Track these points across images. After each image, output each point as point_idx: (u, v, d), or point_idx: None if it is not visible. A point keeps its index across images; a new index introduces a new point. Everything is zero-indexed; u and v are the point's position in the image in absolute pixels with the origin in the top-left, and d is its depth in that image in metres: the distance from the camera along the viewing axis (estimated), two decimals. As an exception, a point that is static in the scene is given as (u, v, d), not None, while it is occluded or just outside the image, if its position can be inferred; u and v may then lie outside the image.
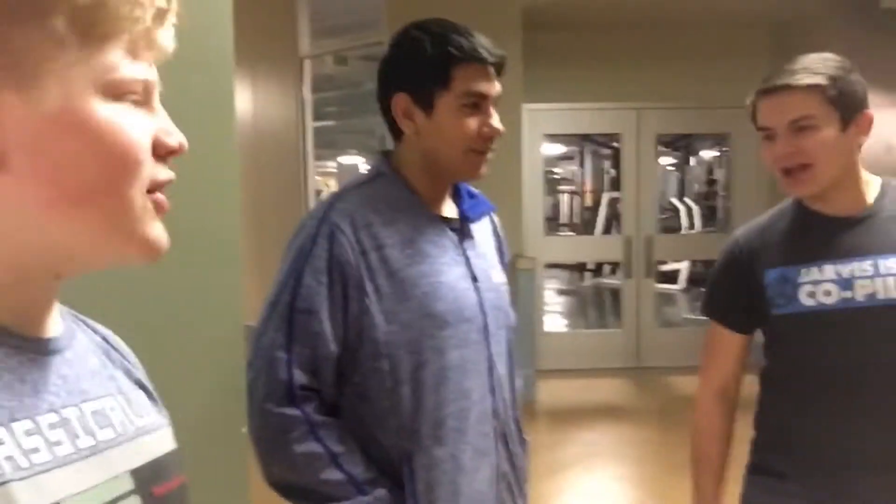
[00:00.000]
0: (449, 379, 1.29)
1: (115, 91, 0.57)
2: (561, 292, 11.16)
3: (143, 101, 0.59)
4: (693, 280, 9.91)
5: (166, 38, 0.61)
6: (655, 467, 4.34)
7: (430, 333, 1.29)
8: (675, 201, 11.57)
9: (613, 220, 10.99)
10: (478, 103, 1.33)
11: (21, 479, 0.51)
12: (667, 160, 12.50)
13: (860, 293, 1.47)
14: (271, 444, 1.24)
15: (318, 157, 9.57)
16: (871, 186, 1.54)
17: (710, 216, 11.02)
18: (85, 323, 0.69)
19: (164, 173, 0.60)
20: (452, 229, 1.40)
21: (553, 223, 13.81)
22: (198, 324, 1.20)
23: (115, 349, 0.70)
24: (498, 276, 1.46)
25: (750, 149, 6.42)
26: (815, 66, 1.47)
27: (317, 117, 7.90)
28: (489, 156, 1.37)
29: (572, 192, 15.02)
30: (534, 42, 5.58)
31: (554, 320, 8.67)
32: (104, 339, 0.70)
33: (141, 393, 0.70)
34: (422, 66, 1.33)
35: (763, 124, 1.50)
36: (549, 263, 7.29)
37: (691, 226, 10.50)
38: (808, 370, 1.55)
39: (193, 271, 1.14)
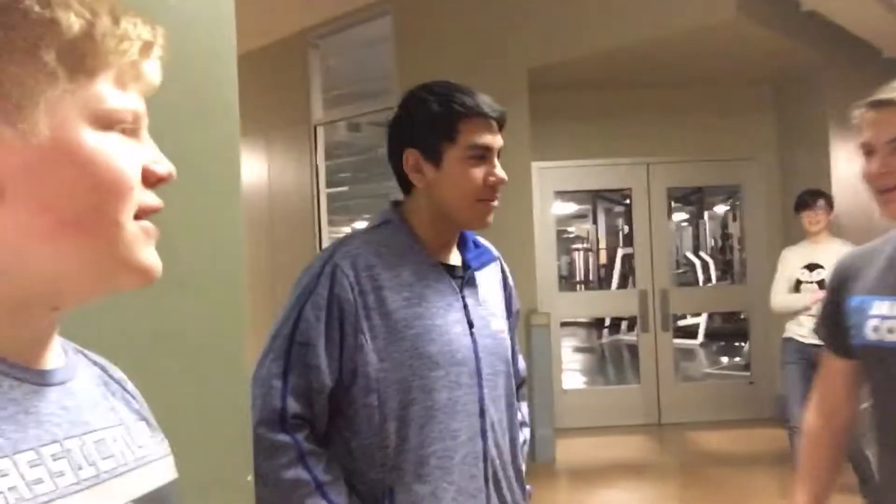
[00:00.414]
0: (435, 419, 1.33)
1: (105, 121, 0.59)
2: (578, 349, 11.07)
3: (132, 131, 0.61)
4: (711, 335, 9.81)
5: (152, 69, 0.63)
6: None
7: (421, 374, 1.33)
8: (690, 255, 11.55)
9: (629, 275, 10.98)
10: (483, 155, 1.41)
11: None
12: (680, 216, 12.54)
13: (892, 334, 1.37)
14: (261, 467, 1.26)
15: (333, 223, 9.66)
16: None
17: (725, 269, 10.98)
18: (84, 355, 0.70)
19: (152, 200, 0.62)
20: (456, 277, 1.45)
21: (569, 281, 13.79)
22: (205, 377, 1.22)
23: (114, 380, 0.71)
24: (497, 324, 1.49)
25: (761, 200, 6.44)
26: None
27: (330, 183, 8.02)
28: (495, 204, 1.43)
29: (586, 250, 15.04)
30: (541, 102, 5.68)
31: (572, 378, 8.58)
32: (103, 369, 0.71)
33: (141, 423, 0.71)
34: (430, 122, 1.41)
35: (864, 140, 1.41)
36: (564, 321, 7.26)
37: (708, 279, 10.45)
38: (878, 408, 1.49)
39: (200, 321, 1.16)
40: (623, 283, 10.76)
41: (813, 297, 4.15)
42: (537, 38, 5.54)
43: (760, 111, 6.43)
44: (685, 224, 13.26)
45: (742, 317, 8.79)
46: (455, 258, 1.48)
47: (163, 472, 0.69)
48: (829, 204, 4.47)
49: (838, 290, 1.54)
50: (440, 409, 1.33)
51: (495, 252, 1.57)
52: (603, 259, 13.71)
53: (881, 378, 1.45)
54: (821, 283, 4.14)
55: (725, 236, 12.02)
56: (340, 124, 7.70)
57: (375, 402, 1.32)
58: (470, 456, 1.37)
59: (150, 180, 0.62)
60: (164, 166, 0.62)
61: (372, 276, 1.35)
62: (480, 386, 1.39)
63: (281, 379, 1.32)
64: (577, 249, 15.26)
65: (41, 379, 0.60)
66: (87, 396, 0.65)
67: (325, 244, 7.30)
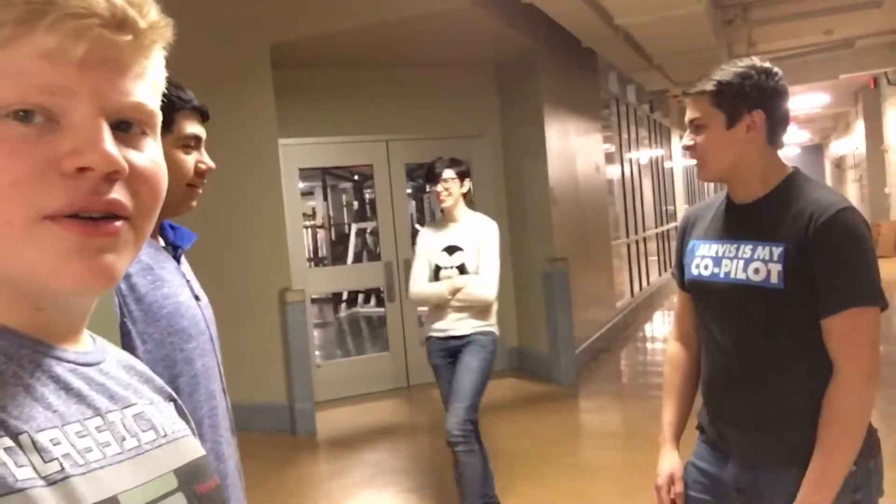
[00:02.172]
0: (200, 385, 1.46)
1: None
2: (316, 325, 11.19)
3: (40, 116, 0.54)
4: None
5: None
6: (435, 474, 4.59)
7: (180, 347, 1.44)
8: (419, 227, 12.17)
9: (364, 250, 11.29)
10: (194, 144, 1.56)
11: (80, 474, 0.54)
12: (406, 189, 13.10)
13: (723, 270, 1.69)
14: None
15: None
16: (774, 179, 1.70)
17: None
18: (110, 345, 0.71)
19: (58, 198, 0.54)
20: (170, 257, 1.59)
21: (312, 258, 13.79)
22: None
23: (138, 369, 0.72)
24: (205, 297, 1.65)
25: (489, 174, 7.04)
26: (715, 73, 1.69)
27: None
28: (200, 190, 1.58)
29: (317, 227, 15.15)
30: (285, 78, 5.67)
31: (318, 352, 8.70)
32: (128, 358, 0.72)
33: (171, 404, 0.73)
34: None
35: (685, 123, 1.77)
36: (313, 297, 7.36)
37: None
38: (700, 325, 1.82)
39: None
40: (358, 258, 11.06)
41: (451, 284, 3.56)
42: (280, 14, 5.51)
43: (486, 92, 7.00)
44: (410, 198, 13.89)
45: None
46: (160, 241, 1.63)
47: (196, 447, 0.70)
48: (462, 174, 3.64)
49: (684, 235, 1.88)
50: (200, 375, 1.46)
51: (192, 232, 1.70)
52: (333, 236, 13.91)
53: (700, 305, 1.81)
54: (462, 268, 3.59)
55: (446, 209, 12.86)
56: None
57: None
58: (224, 411, 1.54)
59: (66, 172, 0.54)
60: (86, 157, 0.54)
61: None
62: (215, 350, 1.55)
63: None
64: (308, 227, 15.29)
65: (77, 359, 0.61)
66: (119, 377, 0.66)
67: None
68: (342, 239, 12.97)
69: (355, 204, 13.37)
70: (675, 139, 14.14)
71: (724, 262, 1.71)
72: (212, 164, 1.58)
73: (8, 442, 0.51)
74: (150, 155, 0.60)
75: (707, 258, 1.76)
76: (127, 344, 1.37)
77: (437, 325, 3.64)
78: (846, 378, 1.57)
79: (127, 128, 0.58)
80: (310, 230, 15.46)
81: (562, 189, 6.80)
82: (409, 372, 6.79)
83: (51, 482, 0.51)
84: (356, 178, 11.90)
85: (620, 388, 6.85)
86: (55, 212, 0.53)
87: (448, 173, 3.58)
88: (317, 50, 5.80)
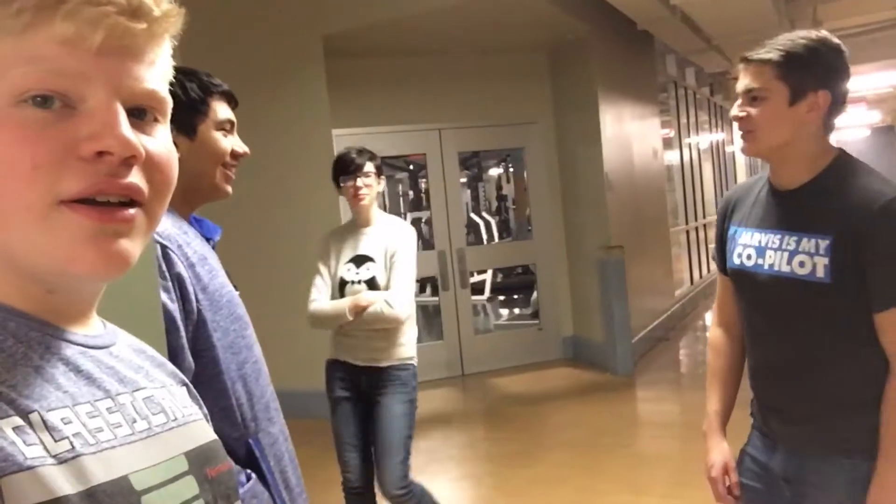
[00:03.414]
0: (261, 370, 1.50)
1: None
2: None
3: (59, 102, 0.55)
4: (496, 290, 10.47)
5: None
6: (490, 463, 4.58)
7: (242, 334, 1.47)
8: (473, 216, 12.17)
9: (419, 240, 11.31)
10: (228, 128, 1.59)
11: (90, 453, 0.54)
12: (461, 179, 13.10)
13: (766, 262, 1.62)
14: None
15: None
16: (821, 163, 1.60)
17: (503, 228, 11.71)
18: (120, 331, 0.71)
19: (77, 182, 0.54)
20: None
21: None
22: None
23: (150, 353, 0.72)
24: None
25: (542, 161, 6.97)
26: (781, 42, 1.57)
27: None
28: (233, 175, 1.60)
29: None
30: (338, 69, 5.70)
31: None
32: (138, 343, 0.72)
33: (183, 389, 0.73)
34: (185, 100, 1.54)
35: (736, 91, 1.66)
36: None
37: (491, 238, 11.09)
38: (743, 316, 1.76)
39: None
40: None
41: (354, 302, 2.90)
42: (333, 4, 5.54)
43: (539, 78, 6.92)
44: (464, 187, 13.88)
45: (519, 271, 9.49)
46: None
47: (207, 431, 0.71)
48: (379, 169, 3.07)
49: (724, 219, 1.81)
50: (259, 361, 1.51)
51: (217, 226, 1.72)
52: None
53: (742, 294, 1.75)
54: (371, 283, 2.95)
55: (500, 197, 12.79)
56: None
57: (222, 368, 1.42)
58: (275, 395, 1.57)
59: (85, 156, 0.55)
60: (104, 141, 0.54)
61: (185, 254, 1.44)
62: (256, 339, 1.58)
63: None
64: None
65: (87, 341, 0.62)
66: (129, 360, 0.66)
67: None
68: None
69: (411, 194, 13.41)
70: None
71: (768, 252, 1.64)
72: (246, 149, 1.61)
73: (17, 421, 0.51)
74: (162, 142, 0.61)
75: (750, 247, 1.69)
76: (202, 333, 1.39)
77: (344, 353, 3.03)
78: None
79: (141, 114, 0.59)
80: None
81: (618, 175, 6.69)
82: (463, 361, 6.79)
83: (61, 460, 0.52)
84: (411, 167, 11.94)
85: (678, 377, 6.73)
86: (74, 196, 0.54)
87: (369, 166, 2.99)
88: (369, 39, 5.81)
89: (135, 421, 0.60)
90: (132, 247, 0.58)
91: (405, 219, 12.12)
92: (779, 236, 1.63)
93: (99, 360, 0.61)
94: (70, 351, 0.59)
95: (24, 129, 0.53)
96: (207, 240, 1.59)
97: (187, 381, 0.75)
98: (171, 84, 1.52)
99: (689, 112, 10.04)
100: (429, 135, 6.70)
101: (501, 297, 10.58)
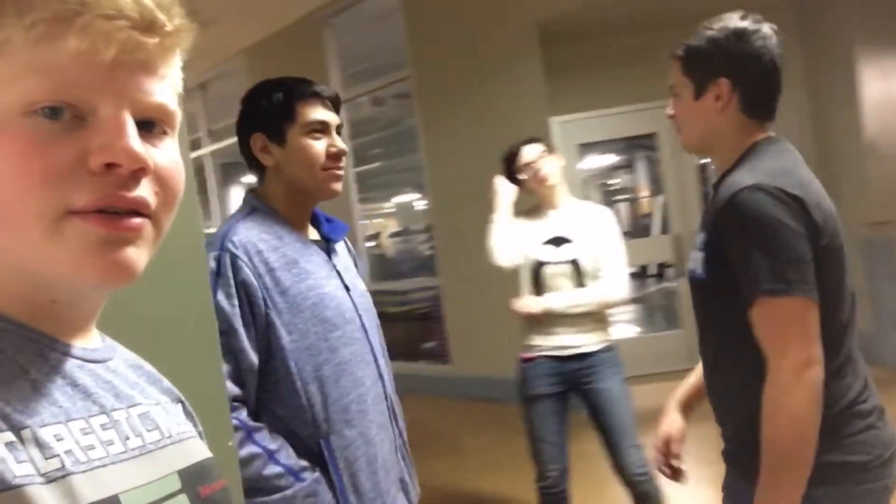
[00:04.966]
0: (345, 372, 1.51)
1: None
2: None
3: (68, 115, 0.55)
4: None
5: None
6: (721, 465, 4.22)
7: (325, 336, 1.50)
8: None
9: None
10: (321, 129, 1.61)
11: (81, 472, 0.53)
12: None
13: (691, 263, 1.54)
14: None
15: (373, 200, 9.73)
16: (735, 154, 1.53)
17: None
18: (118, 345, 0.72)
19: (86, 194, 0.55)
20: (322, 249, 1.63)
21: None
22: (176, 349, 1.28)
23: (146, 369, 0.72)
24: (362, 286, 1.71)
25: (792, 130, 6.27)
26: (694, 35, 1.56)
27: (360, 161, 8.05)
28: (340, 172, 1.62)
29: (630, 200, 14.86)
30: (554, 54, 5.62)
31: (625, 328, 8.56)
32: (135, 359, 0.72)
33: (178, 406, 0.73)
34: (272, 107, 1.59)
35: None
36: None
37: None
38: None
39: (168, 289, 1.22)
40: (664, 230, 10.61)
41: (535, 303, 2.89)
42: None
43: (786, 38, 6.21)
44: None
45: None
46: (313, 234, 1.68)
47: (202, 449, 0.70)
48: (551, 147, 3.06)
49: None
50: (347, 363, 1.53)
51: (345, 224, 1.74)
52: (645, 209, 13.53)
53: (693, 300, 1.60)
54: (574, 264, 2.90)
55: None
56: (362, 100, 7.73)
57: (294, 370, 1.48)
58: (378, 396, 1.60)
59: (94, 168, 0.55)
60: (113, 152, 0.55)
61: (263, 260, 1.50)
62: (368, 338, 1.61)
63: None
64: (619, 201, 15.08)
65: (85, 355, 0.62)
66: (126, 375, 0.66)
67: (358, 223, 7.37)
68: (650, 212, 12.55)
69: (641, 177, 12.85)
70: None
71: (693, 253, 1.56)
72: (343, 147, 1.63)
73: (10, 437, 0.51)
74: (170, 154, 0.61)
75: (695, 250, 1.57)
76: (272, 335, 1.48)
77: (548, 341, 2.92)
78: (771, 375, 1.36)
79: (150, 127, 0.59)
80: (624, 204, 15.23)
81: (885, 141, 5.80)
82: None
83: (50, 479, 0.51)
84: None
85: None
86: (82, 207, 0.54)
87: (538, 147, 2.97)
88: (583, 20, 5.65)
89: (128, 438, 0.60)
90: (139, 256, 0.58)
91: (656, 202, 11.65)
92: (700, 234, 1.56)
93: (96, 374, 0.62)
94: (67, 364, 0.59)
95: (34, 139, 0.53)
96: (328, 241, 1.66)
97: (183, 398, 0.75)
98: (261, 92, 1.61)
99: None
100: (656, 112, 6.31)
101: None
